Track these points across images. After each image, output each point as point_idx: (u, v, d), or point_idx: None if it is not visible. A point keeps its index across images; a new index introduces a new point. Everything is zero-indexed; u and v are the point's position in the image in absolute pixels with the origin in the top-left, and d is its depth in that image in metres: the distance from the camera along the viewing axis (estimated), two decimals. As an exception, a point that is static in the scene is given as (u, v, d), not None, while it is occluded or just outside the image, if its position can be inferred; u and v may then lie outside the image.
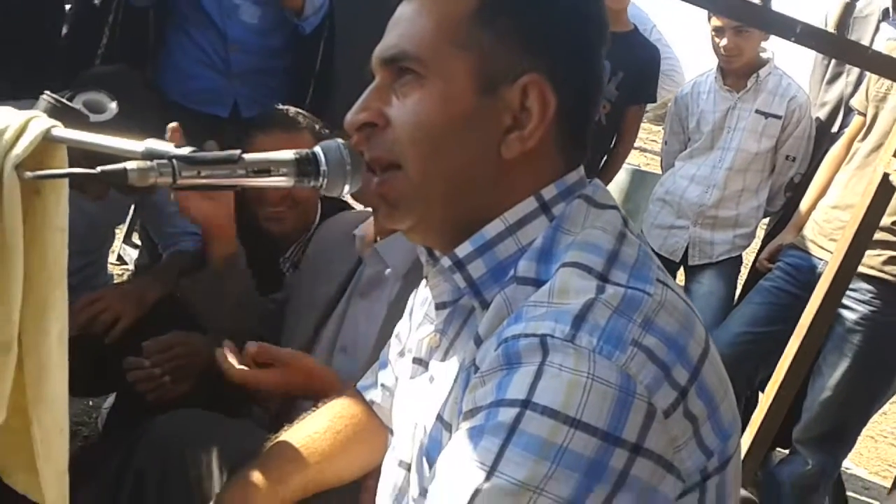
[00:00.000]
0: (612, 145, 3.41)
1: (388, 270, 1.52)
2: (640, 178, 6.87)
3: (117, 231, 3.93)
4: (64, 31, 2.60)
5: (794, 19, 1.92)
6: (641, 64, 3.25)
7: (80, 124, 1.16)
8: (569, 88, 0.91)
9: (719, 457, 0.82)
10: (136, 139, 1.50)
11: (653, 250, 3.21)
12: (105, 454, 1.40)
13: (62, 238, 0.94)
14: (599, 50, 0.95)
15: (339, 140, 0.93)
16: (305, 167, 0.91)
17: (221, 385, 1.45)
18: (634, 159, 9.82)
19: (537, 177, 0.92)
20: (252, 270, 1.78)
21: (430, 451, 0.91)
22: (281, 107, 2.11)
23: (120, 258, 3.88)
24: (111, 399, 2.47)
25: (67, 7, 2.66)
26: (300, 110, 2.09)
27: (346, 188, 0.93)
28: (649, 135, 9.73)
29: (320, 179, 0.91)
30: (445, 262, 0.93)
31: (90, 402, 2.70)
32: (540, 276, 0.86)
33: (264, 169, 0.88)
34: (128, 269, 3.80)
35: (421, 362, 1.03)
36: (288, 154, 0.90)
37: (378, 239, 1.57)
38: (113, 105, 1.39)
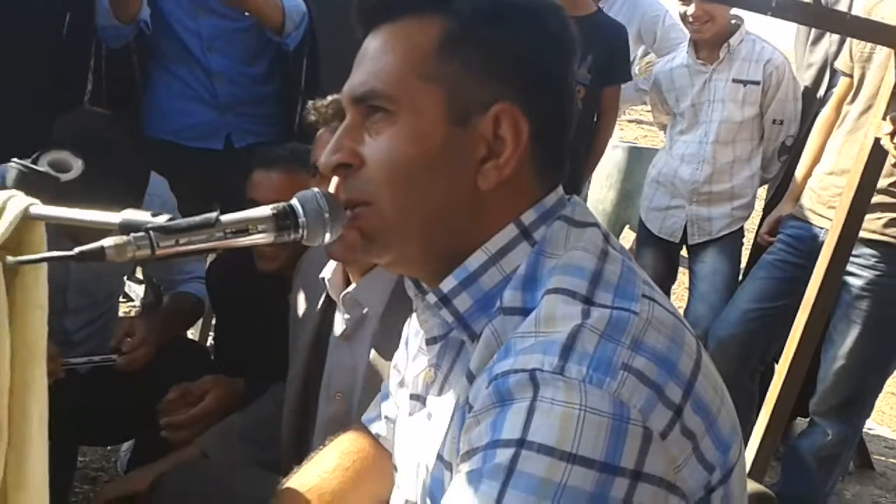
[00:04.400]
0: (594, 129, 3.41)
1: (366, 310, 1.52)
2: (638, 156, 6.81)
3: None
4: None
5: (768, -6, 1.91)
6: (610, 44, 3.22)
7: (50, 185, 1.17)
8: (540, 112, 0.91)
9: (721, 469, 0.81)
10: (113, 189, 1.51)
11: (653, 233, 3.24)
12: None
13: (42, 316, 0.94)
14: (568, 68, 0.95)
15: (316, 189, 0.93)
16: (283, 221, 0.90)
17: None
18: (632, 133, 9.76)
19: (515, 203, 0.91)
20: (262, 309, 1.79)
21: (434, 492, 0.91)
22: (286, 144, 2.10)
23: (126, 295, 3.89)
24: (129, 443, 2.49)
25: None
26: (307, 147, 2.08)
27: (328, 236, 0.93)
28: (644, 106, 9.63)
29: (300, 231, 0.91)
30: (431, 298, 0.93)
31: (108, 448, 2.72)
32: (526, 304, 0.86)
33: (242, 229, 0.88)
34: (134, 306, 3.82)
35: (418, 398, 1.03)
36: (265, 210, 0.90)
37: (350, 280, 1.56)
38: (79, 163, 1.40)
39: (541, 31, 0.92)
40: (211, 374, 2.06)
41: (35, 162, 1.50)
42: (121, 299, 3.85)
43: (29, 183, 1.01)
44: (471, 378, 0.87)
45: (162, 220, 0.85)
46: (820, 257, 2.12)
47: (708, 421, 0.80)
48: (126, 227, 0.84)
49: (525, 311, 0.85)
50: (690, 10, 3.02)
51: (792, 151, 3.07)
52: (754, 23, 3.42)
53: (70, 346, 2.13)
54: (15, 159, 1.11)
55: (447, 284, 0.91)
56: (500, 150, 0.89)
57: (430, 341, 0.99)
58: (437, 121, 0.89)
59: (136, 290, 3.86)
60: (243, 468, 1.46)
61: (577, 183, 3.44)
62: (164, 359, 2.12)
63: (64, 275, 2.09)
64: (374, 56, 0.92)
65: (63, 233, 1.66)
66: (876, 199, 2.32)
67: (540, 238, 0.90)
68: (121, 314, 3.63)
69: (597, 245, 0.90)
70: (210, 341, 3.12)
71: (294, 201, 0.91)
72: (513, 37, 0.90)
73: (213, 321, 2.93)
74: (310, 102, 1.60)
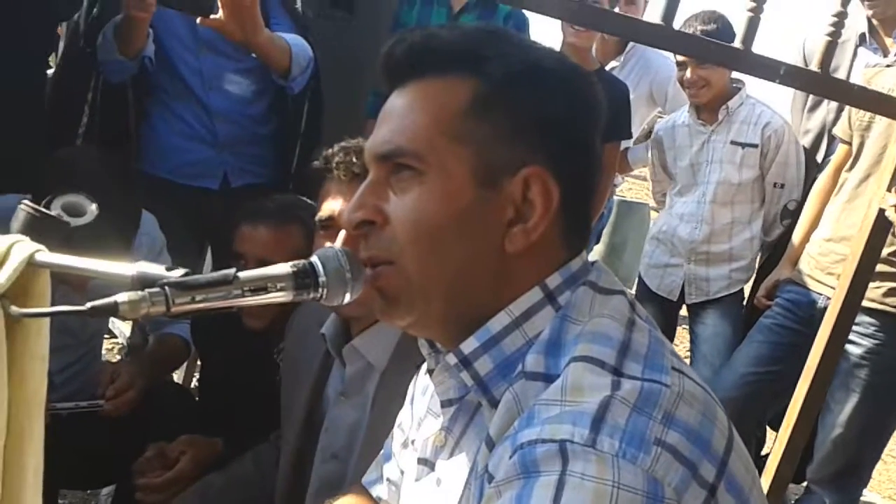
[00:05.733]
0: None
1: (369, 364, 1.48)
2: (627, 209, 6.88)
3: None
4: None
5: (777, 61, 1.91)
6: (610, 101, 3.21)
7: (60, 230, 1.13)
8: (569, 177, 0.89)
9: None
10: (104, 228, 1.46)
11: (651, 290, 3.22)
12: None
13: (42, 368, 0.90)
14: (596, 133, 0.94)
15: (337, 248, 0.90)
16: (303, 280, 0.87)
17: None
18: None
19: (541, 266, 0.89)
20: (246, 363, 1.75)
21: None
22: (275, 197, 2.08)
23: (109, 332, 3.82)
24: (110, 486, 2.41)
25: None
26: (295, 201, 2.06)
27: (347, 297, 0.90)
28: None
29: (320, 290, 0.88)
30: (451, 359, 0.90)
31: (88, 491, 2.63)
32: (549, 370, 0.83)
33: (261, 287, 0.84)
34: (118, 343, 3.74)
35: (426, 462, 0.99)
36: (284, 268, 0.86)
37: (350, 335, 1.51)
38: (93, 207, 1.36)
39: (571, 96, 0.91)
40: (193, 421, 2.01)
41: (48, 205, 1.47)
42: (104, 336, 3.79)
43: (38, 227, 0.97)
44: (490, 444, 0.83)
45: (178, 274, 0.81)
46: (822, 326, 2.09)
47: (741, 501, 0.77)
48: (140, 282, 0.81)
49: (548, 377, 0.82)
50: (687, 75, 3.05)
51: (794, 216, 3.06)
52: (755, 88, 3.45)
53: (52, 388, 2.05)
54: (25, 201, 1.07)
55: (468, 346, 0.88)
56: (528, 214, 0.87)
57: (446, 403, 0.95)
58: (465, 182, 0.87)
59: (120, 327, 3.79)
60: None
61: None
62: (147, 402, 2.07)
63: (48, 314, 2.04)
64: (402, 114, 0.90)
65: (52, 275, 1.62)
66: (876, 268, 2.32)
67: (565, 303, 0.88)
68: (104, 349, 3.58)
69: (623, 314, 0.87)
70: (194, 383, 3.05)
71: (314, 259, 0.89)
72: (544, 101, 0.89)
73: (199, 362, 2.88)
74: (328, 151, 1.57)
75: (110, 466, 2.08)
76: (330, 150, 1.56)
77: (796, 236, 2.89)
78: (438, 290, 0.88)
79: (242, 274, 0.84)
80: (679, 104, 3.47)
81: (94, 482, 2.40)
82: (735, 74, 3.06)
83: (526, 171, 0.87)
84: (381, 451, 1.23)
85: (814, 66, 1.97)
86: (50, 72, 2.81)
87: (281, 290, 0.86)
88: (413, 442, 1.06)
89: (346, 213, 0.91)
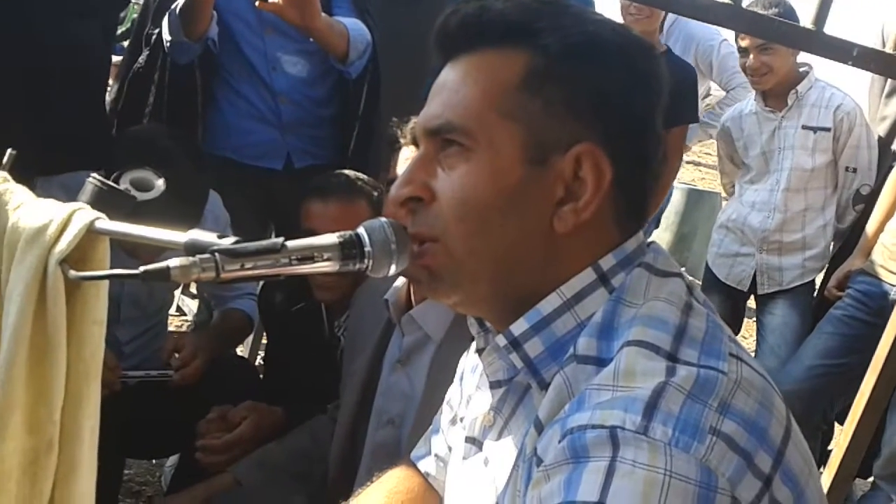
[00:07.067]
0: None
1: (426, 333, 1.49)
2: (697, 198, 6.74)
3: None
4: (110, 94, 2.63)
5: (850, 42, 1.85)
6: (677, 84, 3.15)
7: (126, 204, 1.16)
8: (625, 155, 0.87)
9: None
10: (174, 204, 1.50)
11: (719, 280, 3.15)
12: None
13: (99, 332, 0.93)
14: (656, 111, 0.91)
15: (383, 219, 0.90)
16: (349, 250, 0.87)
17: None
18: (688, 175, 9.65)
19: (593, 247, 0.87)
20: (309, 338, 1.77)
21: None
22: (340, 172, 2.11)
23: (179, 309, 3.92)
24: (174, 457, 2.48)
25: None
26: (359, 176, 2.09)
27: (392, 268, 0.90)
28: (702, 147, 9.47)
29: (365, 261, 0.88)
30: (500, 340, 0.88)
31: (153, 461, 2.72)
32: (602, 354, 0.81)
33: (308, 256, 0.85)
34: (186, 320, 3.84)
35: (474, 442, 0.99)
36: (331, 238, 0.87)
37: (412, 303, 1.53)
38: (160, 182, 1.39)
39: (630, 71, 0.88)
40: (256, 394, 2.06)
41: (117, 179, 1.51)
42: (174, 313, 3.90)
43: (105, 200, 1.00)
44: (539, 427, 0.82)
45: (228, 242, 0.83)
46: (892, 318, 2.02)
47: (797, 492, 0.75)
48: (192, 249, 0.83)
49: (600, 361, 0.80)
50: (750, 61, 2.98)
51: (867, 201, 2.96)
52: (828, 72, 3.34)
53: (121, 358, 2.14)
54: (94, 175, 1.10)
55: (518, 327, 0.87)
56: (579, 193, 0.85)
57: (495, 385, 0.95)
58: (514, 159, 0.85)
59: (189, 305, 3.89)
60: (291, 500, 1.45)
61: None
62: (211, 375, 2.12)
63: (118, 286, 2.11)
64: (453, 88, 0.89)
65: (119, 246, 1.66)
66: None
67: (618, 285, 0.86)
68: (173, 328, 3.68)
69: (680, 297, 0.85)
70: (259, 360, 3.11)
71: (361, 230, 0.89)
72: (600, 76, 0.86)
73: (263, 340, 2.94)
74: (401, 122, 1.59)
75: (174, 437, 2.15)
76: (401, 122, 1.59)
77: (870, 226, 2.80)
78: (485, 270, 0.87)
79: (290, 243, 0.85)
80: (726, 73, 3.40)
81: (159, 452, 2.47)
82: (805, 57, 2.97)
83: (578, 148, 0.85)
84: (431, 426, 1.24)
85: (889, 48, 1.90)
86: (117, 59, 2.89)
87: (327, 259, 0.87)
88: (461, 419, 1.06)
89: (394, 189, 0.90)
